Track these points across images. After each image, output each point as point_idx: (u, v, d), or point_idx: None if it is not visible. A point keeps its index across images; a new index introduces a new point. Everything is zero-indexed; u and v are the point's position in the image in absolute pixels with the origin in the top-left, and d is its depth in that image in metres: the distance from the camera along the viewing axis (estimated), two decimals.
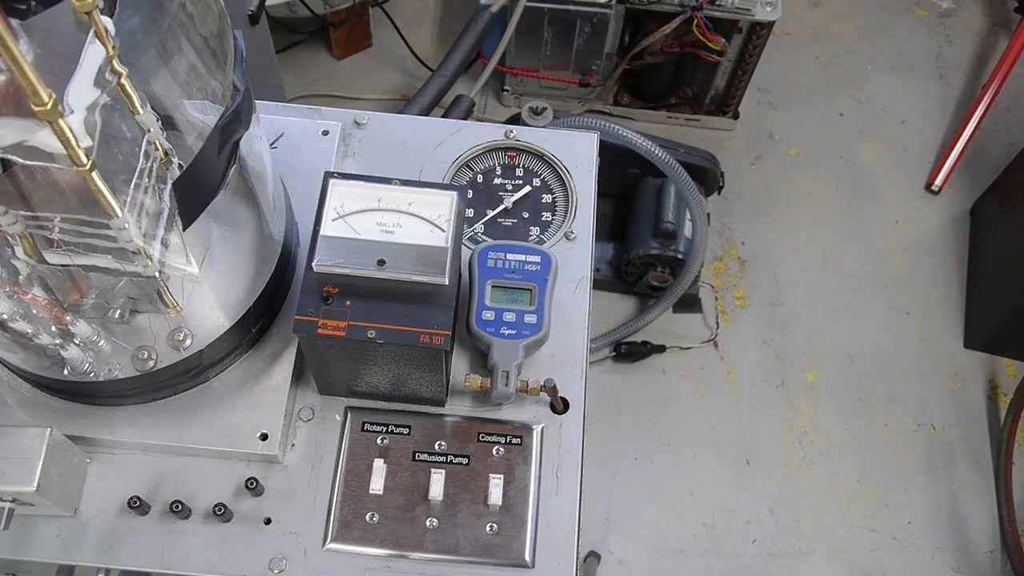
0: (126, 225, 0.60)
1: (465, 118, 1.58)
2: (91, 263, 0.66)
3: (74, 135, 0.52)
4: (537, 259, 0.83)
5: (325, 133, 0.94)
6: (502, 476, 0.79)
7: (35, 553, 0.76)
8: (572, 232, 0.93)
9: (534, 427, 0.82)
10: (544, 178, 0.97)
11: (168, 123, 0.65)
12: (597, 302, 0.91)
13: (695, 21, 1.78)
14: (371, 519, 0.77)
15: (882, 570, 1.71)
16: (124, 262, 0.66)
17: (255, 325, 0.80)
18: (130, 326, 0.76)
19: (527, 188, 0.96)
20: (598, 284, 1.80)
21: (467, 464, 0.80)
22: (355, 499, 0.78)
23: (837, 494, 1.78)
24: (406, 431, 0.81)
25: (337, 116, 0.97)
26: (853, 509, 1.77)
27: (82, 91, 0.53)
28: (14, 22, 0.51)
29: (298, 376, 0.82)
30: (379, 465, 0.78)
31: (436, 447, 0.80)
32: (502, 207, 0.95)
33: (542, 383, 0.80)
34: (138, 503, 0.75)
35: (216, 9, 0.66)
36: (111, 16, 0.55)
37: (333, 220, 0.74)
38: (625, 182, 1.86)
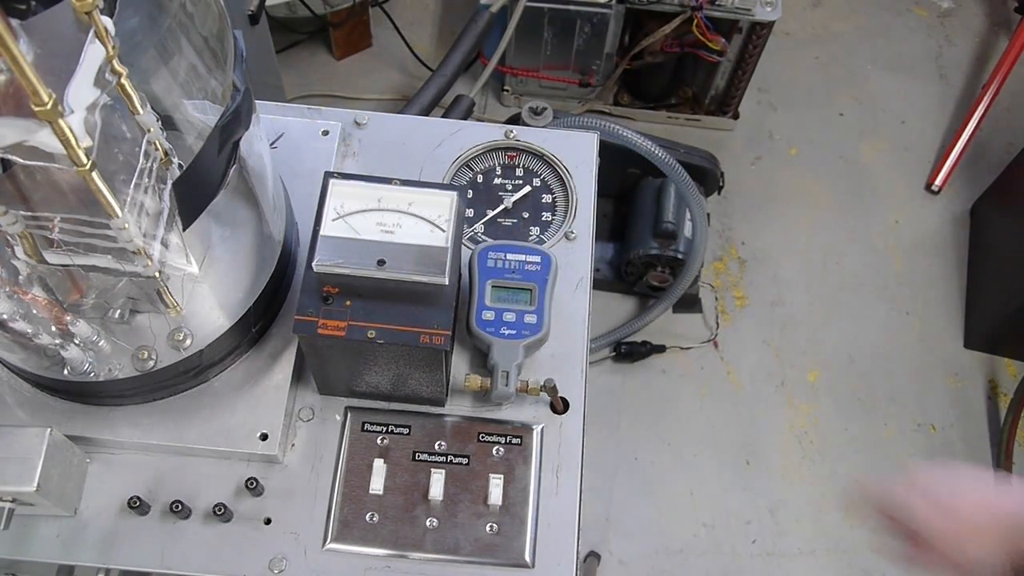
0: (126, 225, 0.60)
1: (465, 118, 1.58)
2: (91, 263, 0.66)
3: (74, 135, 0.52)
4: (537, 259, 0.83)
5: (325, 133, 0.94)
6: (502, 476, 0.79)
7: (35, 553, 0.76)
8: (572, 232, 0.93)
9: (534, 427, 0.82)
10: (544, 178, 0.97)
11: (168, 123, 0.65)
12: (597, 302, 0.91)
13: (695, 21, 1.78)
14: (371, 519, 0.77)
15: (882, 570, 1.71)
16: (124, 262, 0.66)
17: (255, 325, 0.80)
18: (130, 326, 0.76)
19: (527, 188, 0.96)
20: (598, 284, 1.80)
21: (467, 464, 0.80)
22: (355, 499, 0.78)
23: (837, 494, 1.78)
24: (406, 431, 0.81)
25: (337, 116, 0.97)
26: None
27: (82, 91, 0.53)
28: (14, 22, 0.51)
29: (298, 376, 0.82)
30: (379, 465, 0.78)
31: (436, 447, 0.80)
32: (502, 207, 0.95)
33: (542, 383, 0.80)
34: (138, 503, 0.75)
35: (216, 9, 0.66)
36: (111, 16, 0.55)
37: (333, 220, 0.74)
38: (625, 182, 1.86)
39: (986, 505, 0.71)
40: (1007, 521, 0.69)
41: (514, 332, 0.80)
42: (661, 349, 1.87)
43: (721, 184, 1.91)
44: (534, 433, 0.82)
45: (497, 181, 0.96)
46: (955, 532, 0.71)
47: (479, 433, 0.81)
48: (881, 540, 0.77)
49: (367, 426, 0.81)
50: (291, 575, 0.75)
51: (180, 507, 0.75)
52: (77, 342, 0.72)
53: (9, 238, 0.64)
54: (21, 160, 0.55)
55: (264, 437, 0.78)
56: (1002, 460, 1.76)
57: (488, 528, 0.77)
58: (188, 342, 0.75)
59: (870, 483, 0.77)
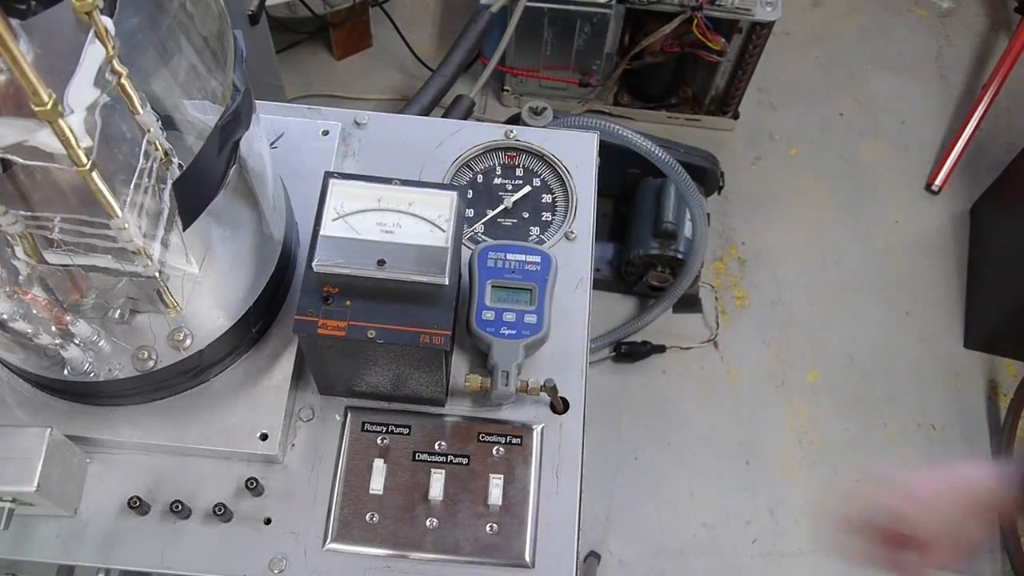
0: (126, 225, 0.60)
1: (465, 118, 1.58)
2: (91, 263, 0.66)
3: (74, 135, 0.52)
4: (537, 259, 0.83)
5: (325, 133, 0.94)
6: (502, 476, 0.79)
7: (35, 553, 0.76)
8: (572, 232, 0.93)
9: (534, 427, 0.82)
10: (544, 178, 0.97)
11: (168, 123, 0.65)
12: (597, 302, 0.91)
13: (695, 21, 1.78)
14: (371, 519, 0.77)
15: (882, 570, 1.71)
16: (124, 262, 0.66)
17: (255, 325, 0.80)
18: (130, 326, 0.76)
19: (527, 188, 0.96)
20: (598, 284, 1.80)
21: (467, 464, 0.80)
22: (355, 499, 0.78)
23: (837, 494, 1.78)
24: (406, 431, 0.81)
25: (337, 116, 0.97)
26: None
27: (82, 91, 0.53)
28: (14, 22, 0.51)
29: (298, 376, 0.82)
30: (379, 465, 0.78)
31: (436, 447, 0.80)
32: (502, 207, 0.95)
33: (542, 383, 0.80)
34: (138, 503, 0.75)
35: (216, 9, 0.66)
36: (111, 16, 0.55)
37: (333, 220, 0.74)
38: (625, 182, 1.86)
39: (961, 487, 0.73)
40: (983, 496, 0.72)
41: (514, 332, 0.80)
42: (661, 349, 1.87)
43: (721, 184, 1.91)
44: (534, 433, 0.82)
45: (497, 181, 0.96)
46: (947, 522, 0.72)
47: (479, 433, 0.81)
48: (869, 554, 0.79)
49: (367, 426, 0.81)
50: (291, 575, 0.75)
51: (180, 507, 0.75)
52: (77, 342, 0.72)
53: (9, 238, 0.64)
54: (21, 160, 0.55)
55: (264, 437, 0.78)
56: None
57: (488, 528, 0.77)
58: (188, 342, 0.75)
59: (857, 504, 0.79)
